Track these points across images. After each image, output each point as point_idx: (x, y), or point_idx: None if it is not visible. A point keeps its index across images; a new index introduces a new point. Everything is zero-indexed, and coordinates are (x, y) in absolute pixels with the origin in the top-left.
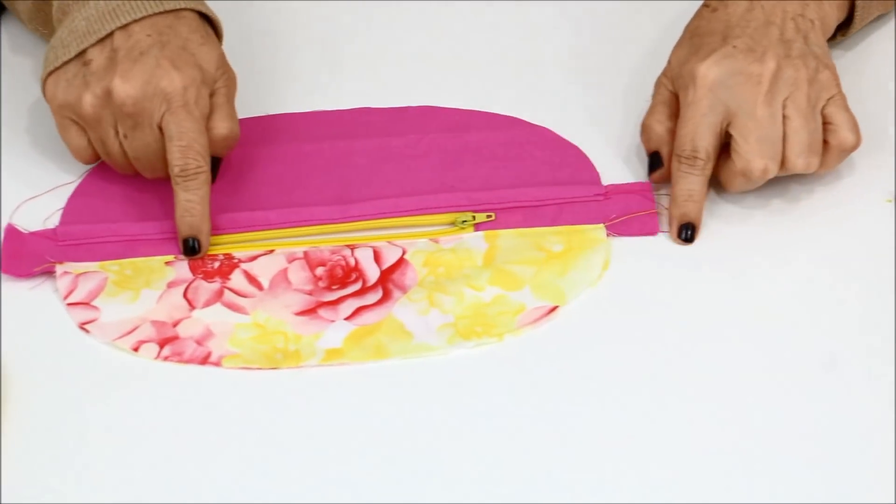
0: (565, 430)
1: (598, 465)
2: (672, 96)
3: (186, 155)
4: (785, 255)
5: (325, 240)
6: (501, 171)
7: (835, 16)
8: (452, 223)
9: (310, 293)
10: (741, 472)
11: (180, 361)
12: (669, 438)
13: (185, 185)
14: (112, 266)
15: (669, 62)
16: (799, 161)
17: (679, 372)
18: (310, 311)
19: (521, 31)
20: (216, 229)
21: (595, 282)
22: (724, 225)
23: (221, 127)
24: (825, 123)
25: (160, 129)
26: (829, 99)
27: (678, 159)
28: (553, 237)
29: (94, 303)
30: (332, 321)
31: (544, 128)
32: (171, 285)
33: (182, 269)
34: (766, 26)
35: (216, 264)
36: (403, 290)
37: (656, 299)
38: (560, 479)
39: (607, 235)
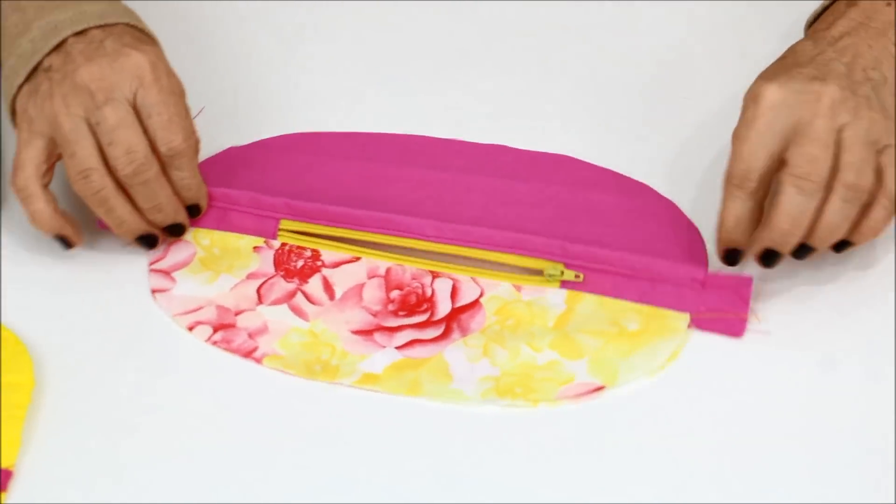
0: None
1: None
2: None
3: None
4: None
5: (411, 259)
6: (610, 236)
7: None
8: (541, 271)
9: (374, 315)
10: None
11: (226, 349)
12: None
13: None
14: (203, 240)
15: None
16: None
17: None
18: (365, 332)
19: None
20: (305, 216)
21: (655, 372)
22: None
23: None
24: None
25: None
26: (885, 146)
27: (730, 180)
28: (632, 314)
29: (174, 274)
30: (383, 347)
31: (670, 201)
32: (250, 276)
33: (266, 260)
34: (833, 62)
35: (300, 262)
36: (465, 332)
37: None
38: None
39: (689, 327)
